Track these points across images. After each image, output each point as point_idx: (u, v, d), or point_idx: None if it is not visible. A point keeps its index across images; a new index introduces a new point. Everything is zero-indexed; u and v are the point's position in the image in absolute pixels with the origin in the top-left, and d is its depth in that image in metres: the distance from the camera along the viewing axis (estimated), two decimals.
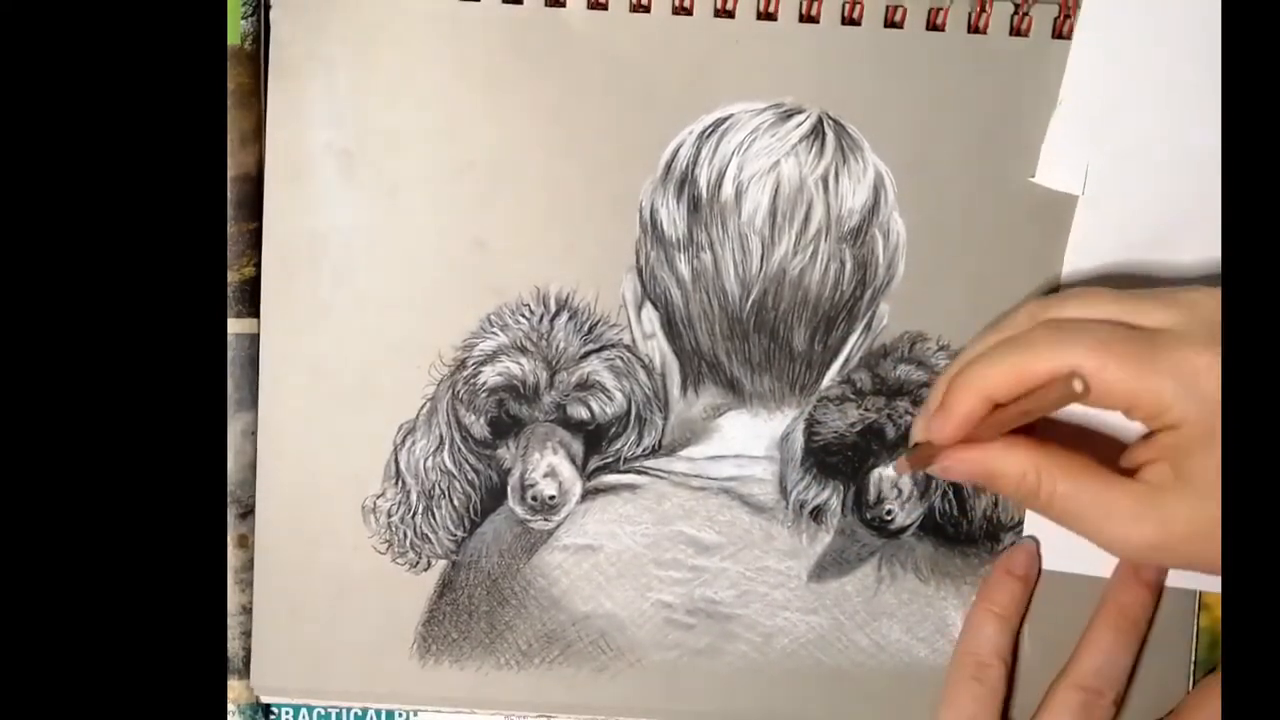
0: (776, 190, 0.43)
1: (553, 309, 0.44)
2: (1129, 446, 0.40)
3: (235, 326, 0.44)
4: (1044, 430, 0.40)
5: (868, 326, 0.44)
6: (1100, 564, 0.44)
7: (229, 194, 0.44)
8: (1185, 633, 0.45)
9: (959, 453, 0.39)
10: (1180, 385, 0.36)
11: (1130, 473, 0.39)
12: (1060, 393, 0.37)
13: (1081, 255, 0.43)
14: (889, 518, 0.45)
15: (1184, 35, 0.42)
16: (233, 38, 0.43)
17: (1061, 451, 0.39)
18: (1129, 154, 0.43)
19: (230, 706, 0.45)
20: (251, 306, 0.44)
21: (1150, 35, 0.43)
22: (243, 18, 0.43)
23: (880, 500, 0.45)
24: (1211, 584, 0.44)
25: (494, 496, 0.45)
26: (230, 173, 0.44)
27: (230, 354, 0.44)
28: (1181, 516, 0.37)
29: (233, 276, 0.44)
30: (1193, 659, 0.45)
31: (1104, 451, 0.39)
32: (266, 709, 0.46)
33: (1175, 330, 0.37)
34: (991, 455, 0.39)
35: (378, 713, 0.46)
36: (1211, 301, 0.37)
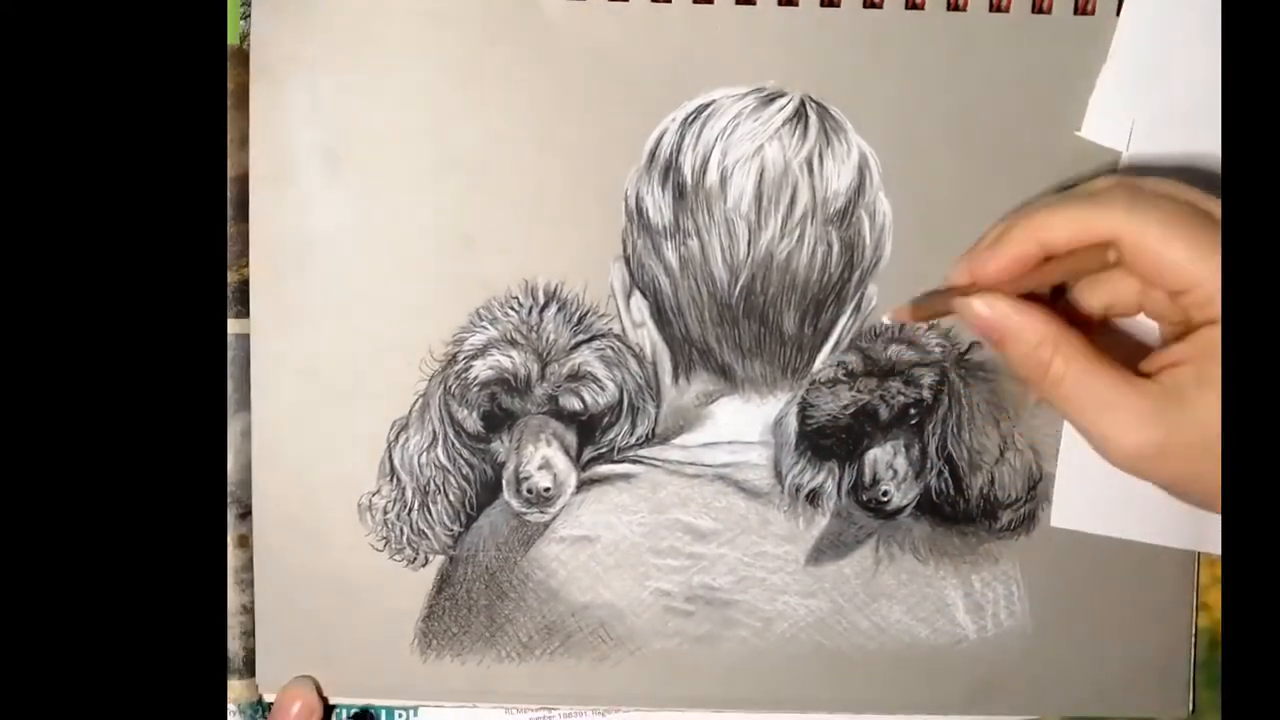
0: (761, 175, 0.43)
1: (541, 301, 0.44)
2: (1152, 351, 0.38)
3: (234, 327, 0.44)
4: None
5: (857, 308, 0.44)
6: (1117, 526, 0.44)
7: (228, 194, 0.44)
8: (1185, 632, 0.45)
9: (987, 296, 0.38)
10: None
11: (1146, 377, 0.37)
12: (1093, 260, 0.36)
13: None
14: (885, 499, 0.45)
15: None
16: (232, 38, 0.44)
17: (1081, 337, 0.38)
18: (1176, 111, 0.42)
19: (230, 706, 0.45)
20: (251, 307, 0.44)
21: None
22: (242, 18, 0.44)
23: (876, 481, 0.45)
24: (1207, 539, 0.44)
25: (489, 490, 0.45)
26: (229, 173, 0.44)
27: (230, 354, 0.44)
28: (1191, 422, 0.35)
29: (232, 277, 0.44)
30: (1193, 659, 0.45)
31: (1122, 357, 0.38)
32: (269, 708, 0.46)
33: None
34: (1016, 310, 0.38)
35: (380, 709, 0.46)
36: None
